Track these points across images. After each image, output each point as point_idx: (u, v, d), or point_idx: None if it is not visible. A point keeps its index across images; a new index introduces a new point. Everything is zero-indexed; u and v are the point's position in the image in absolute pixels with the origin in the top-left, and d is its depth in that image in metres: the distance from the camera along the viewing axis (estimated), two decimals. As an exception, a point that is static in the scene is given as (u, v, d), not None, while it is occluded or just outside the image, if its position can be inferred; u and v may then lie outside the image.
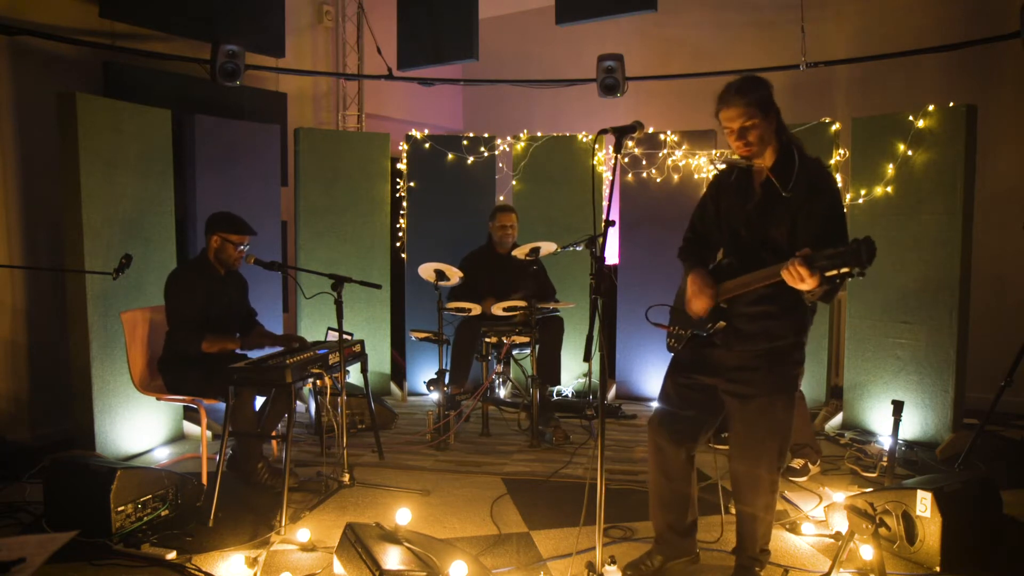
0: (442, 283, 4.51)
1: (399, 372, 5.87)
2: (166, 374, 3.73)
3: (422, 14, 5.63)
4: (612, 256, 5.78)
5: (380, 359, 5.56)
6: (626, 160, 5.43)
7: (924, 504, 2.73)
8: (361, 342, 4.15)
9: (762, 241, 2.45)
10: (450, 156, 5.66)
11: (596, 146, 5.50)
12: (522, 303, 4.49)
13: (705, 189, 2.74)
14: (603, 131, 2.48)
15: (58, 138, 3.89)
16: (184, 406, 4.51)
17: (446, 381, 4.60)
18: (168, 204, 4.42)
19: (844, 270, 2.04)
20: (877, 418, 4.43)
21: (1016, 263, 5.17)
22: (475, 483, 3.74)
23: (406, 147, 5.67)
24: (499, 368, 4.76)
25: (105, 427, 3.98)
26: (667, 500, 2.67)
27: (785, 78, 5.52)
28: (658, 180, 5.40)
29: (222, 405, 3.50)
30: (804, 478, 3.72)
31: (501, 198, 5.83)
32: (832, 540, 3.03)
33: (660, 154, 5.38)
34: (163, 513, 3.19)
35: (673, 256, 2.70)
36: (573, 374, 5.63)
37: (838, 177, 4.36)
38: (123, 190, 4.11)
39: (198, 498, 3.35)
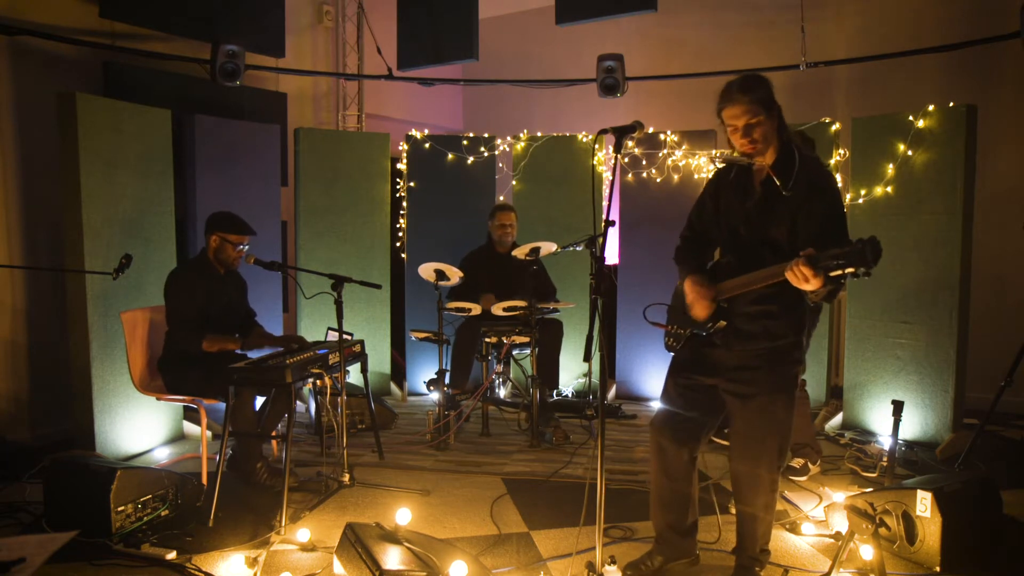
0: (442, 283, 4.51)
1: (399, 372, 5.87)
2: (166, 374, 3.73)
3: (422, 14, 5.63)
4: (612, 256, 5.78)
5: (380, 359, 5.56)
6: (626, 160, 5.43)
7: (924, 504, 2.73)
8: (361, 342, 4.15)
9: (761, 240, 2.44)
10: (450, 156, 5.66)
11: (596, 146, 5.50)
12: (522, 303, 4.49)
13: (704, 187, 2.74)
14: (603, 131, 2.48)
15: (58, 138, 3.89)
16: (184, 406, 4.51)
17: (446, 381, 4.60)
18: (168, 204, 4.42)
19: (849, 270, 2.04)
20: (877, 418, 4.43)
21: (1016, 263, 5.17)
22: (475, 483, 3.74)
23: (406, 147, 5.68)
24: (499, 368, 4.76)
25: (105, 427, 3.98)
26: (668, 500, 2.67)
27: (785, 78, 5.52)
28: (658, 180, 5.40)
29: (222, 405, 3.50)
30: (804, 478, 3.72)
31: (501, 198, 5.83)
32: (832, 540, 3.03)
33: (660, 154, 5.38)
34: (163, 513, 3.19)
35: (674, 263, 2.70)
36: (573, 374, 5.63)
37: (838, 177, 4.36)
38: (123, 190, 4.11)
39: (198, 498, 3.35)
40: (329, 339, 4.40)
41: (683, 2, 6.45)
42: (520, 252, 4.52)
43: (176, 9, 4.91)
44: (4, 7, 4.25)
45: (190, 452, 4.25)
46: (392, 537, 2.58)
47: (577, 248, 4.37)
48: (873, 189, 4.45)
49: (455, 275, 4.54)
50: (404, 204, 5.71)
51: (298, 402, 4.77)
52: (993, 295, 5.19)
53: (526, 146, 5.64)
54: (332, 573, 2.67)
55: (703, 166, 5.29)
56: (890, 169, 4.38)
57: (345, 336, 3.71)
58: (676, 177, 5.36)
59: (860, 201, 4.50)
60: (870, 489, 3.23)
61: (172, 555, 2.84)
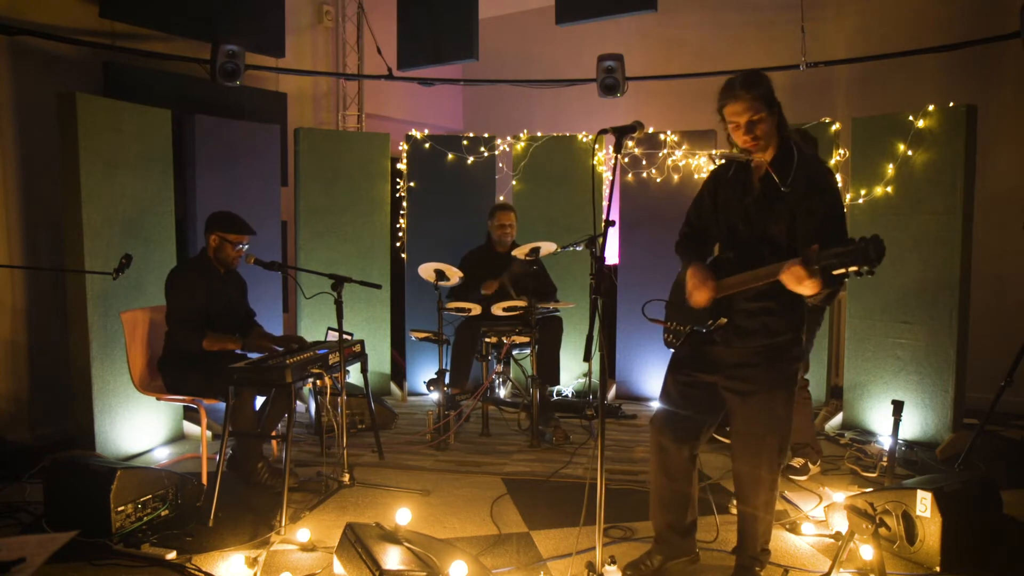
0: (442, 283, 4.51)
1: (399, 372, 5.87)
2: (166, 374, 3.73)
3: (422, 14, 5.63)
4: (612, 256, 5.78)
5: (380, 359, 5.56)
6: (626, 160, 5.43)
7: (924, 504, 2.73)
8: (361, 342, 4.15)
9: (760, 236, 2.44)
10: (450, 156, 5.66)
11: (596, 146, 5.50)
12: (522, 303, 4.49)
13: (702, 184, 2.74)
14: (603, 131, 2.47)
15: (58, 138, 3.89)
16: (184, 406, 4.51)
17: (446, 381, 4.60)
18: (168, 204, 4.42)
19: (852, 269, 2.03)
20: (877, 418, 4.43)
21: (1016, 263, 5.17)
22: (475, 483, 3.74)
23: (406, 147, 5.68)
24: (499, 368, 4.76)
25: (105, 427, 3.98)
26: (668, 500, 2.68)
27: (785, 78, 5.52)
28: (658, 180, 5.40)
29: (222, 405, 3.50)
30: (804, 478, 3.72)
31: (501, 198, 5.83)
32: (832, 540, 3.03)
33: (660, 154, 5.38)
34: (163, 513, 3.19)
35: (673, 256, 2.69)
36: (573, 374, 5.63)
37: (838, 177, 4.36)
38: (123, 190, 4.11)
39: (198, 498, 3.35)
40: (329, 339, 4.40)
41: (683, 2, 6.45)
42: (520, 252, 4.52)
43: (176, 9, 4.91)
44: (4, 7, 4.25)
45: (190, 452, 4.25)
46: (392, 537, 2.58)
47: (577, 248, 4.37)
48: (873, 189, 4.45)
49: (455, 275, 4.54)
50: (404, 204, 5.71)
51: (298, 402, 4.77)
52: (993, 295, 5.19)
53: (526, 146, 5.64)
54: (332, 573, 2.67)
55: (703, 166, 5.29)
56: (890, 169, 4.38)
57: (345, 336, 3.71)
58: (676, 177, 5.36)
59: (860, 201, 4.50)
60: (870, 489, 3.23)
61: (172, 555, 2.84)
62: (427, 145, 5.65)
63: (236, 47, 4.86)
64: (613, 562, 2.54)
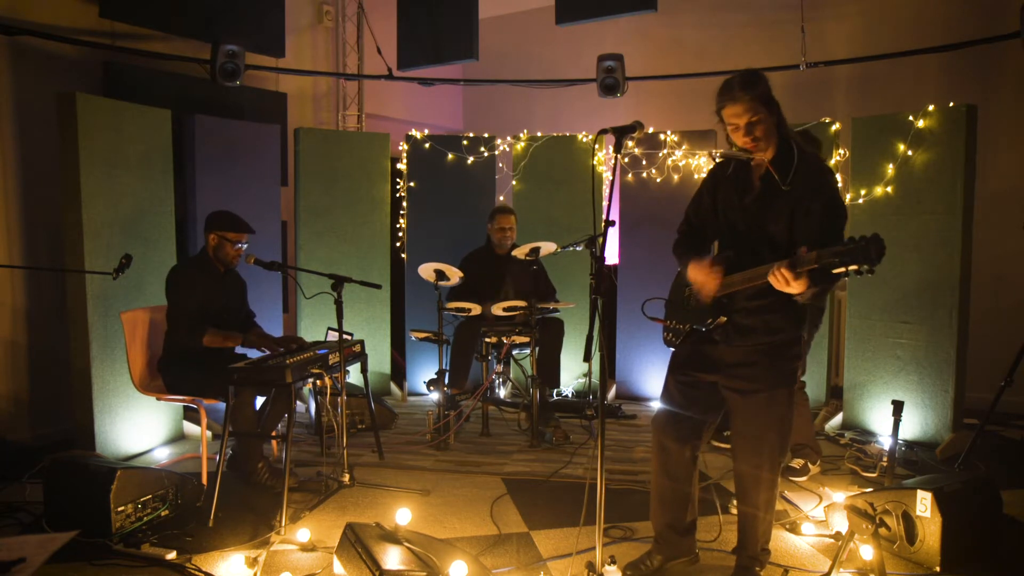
0: (442, 283, 4.51)
1: (399, 372, 5.87)
2: (166, 374, 3.73)
3: (422, 14, 5.63)
4: (612, 256, 5.78)
5: (380, 359, 5.56)
6: (626, 160, 5.43)
7: (924, 504, 2.73)
8: (361, 342, 4.15)
9: (760, 235, 2.44)
10: (450, 156, 5.66)
11: (596, 146, 5.50)
12: (522, 303, 4.49)
13: (701, 182, 2.73)
14: (603, 131, 2.47)
15: (58, 138, 3.89)
16: (184, 406, 4.51)
17: (446, 381, 4.60)
18: (168, 204, 4.42)
19: (852, 267, 2.03)
20: (877, 418, 4.43)
21: (1016, 263, 5.17)
22: (475, 483, 3.74)
23: (406, 147, 5.67)
24: (499, 368, 4.76)
25: (105, 427, 3.98)
26: (668, 500, 2.68)
27: (785, 78, 5.52)
28: (658, 180, 5.40)
29: (222, 405, 3.50)
30: (804, 478, 3.72)
31: (501, 198, 5.83)
32: (832, 540, 3.03)
33: (660, 154, 5.38)
34: (163, 513, 3.19)
35: (673, 256, 2.69)
36: (573, 374, 5.63)
37: (838, 177, 4.36)
38: (123, 190, 4.11)
39: (198, 498, 3.35)
40: (329, 339, 4.40)
41: (683, 2, 6.45)
42: (520, 252, 4.52)
43: (176, 9, 4.91)
44: (4, 7, 4.25)
45: (190, 452, 4.25)
46: (392, 537, 2.58)
47: (577, 248, 4.37)
48: (873, 189, 4.45)
49: (455, 275, 4.54)
50: (404, 204, 5.71)
51: (298, 402, 4.77)
52: (993, 295, 5.19)
53: (526, 146, 5.64)
54: (332, 573, 2.67)
55: (703, 166, 5.29)
56: (890, 169, 4.38)
57: (345, 336, 3.71)
58: (676, 177, 5.36)
59: (860, 201, 4.49)
60: (870, 489, 3.23)
61: (172, 555, 2.84)
62: (427, 145, 5.65)
63: (236, 47, 4.86)
64: (613, 562, 2.54)
